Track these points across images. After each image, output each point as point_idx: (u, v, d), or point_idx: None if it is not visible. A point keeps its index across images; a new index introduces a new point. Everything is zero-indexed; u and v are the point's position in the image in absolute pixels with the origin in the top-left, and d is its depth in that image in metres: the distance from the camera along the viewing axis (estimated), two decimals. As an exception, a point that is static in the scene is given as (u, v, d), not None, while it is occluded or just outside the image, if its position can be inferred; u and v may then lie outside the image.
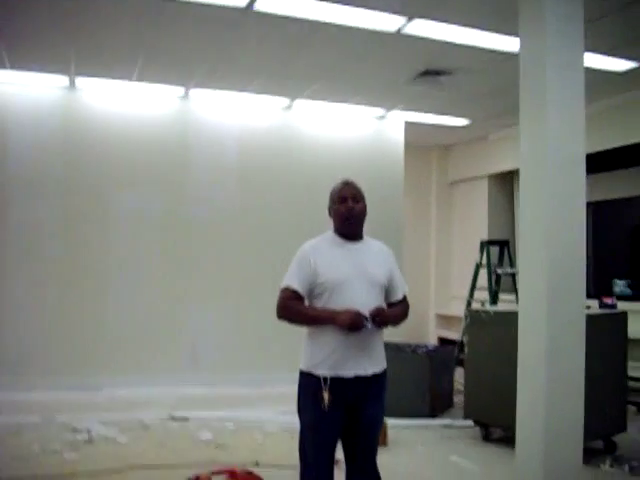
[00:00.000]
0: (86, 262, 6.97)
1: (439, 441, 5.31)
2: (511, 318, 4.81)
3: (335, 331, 2.80)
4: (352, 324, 2.76)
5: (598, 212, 8.23)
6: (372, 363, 2.89)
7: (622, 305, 5.77)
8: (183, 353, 7.18)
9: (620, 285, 7.66)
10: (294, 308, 2.91)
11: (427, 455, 4.97)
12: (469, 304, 7.85)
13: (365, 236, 3.08)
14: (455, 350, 7.21)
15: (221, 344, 7.30)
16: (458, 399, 6.27)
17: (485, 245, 8.01)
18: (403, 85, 6.66)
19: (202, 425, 5.50)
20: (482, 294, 7.98)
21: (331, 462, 2.88)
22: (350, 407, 2.85)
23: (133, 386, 6.76)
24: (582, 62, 3.90)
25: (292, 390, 3.02)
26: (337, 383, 2.81)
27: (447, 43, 5.39)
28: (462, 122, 8.34)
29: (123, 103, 7.12)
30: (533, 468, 3.71)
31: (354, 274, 2.89)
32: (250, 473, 3.98)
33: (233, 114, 7.52)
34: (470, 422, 5.42)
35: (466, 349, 5.54)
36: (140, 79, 6.70)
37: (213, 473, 3.92)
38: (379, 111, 7.95)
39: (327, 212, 3.09)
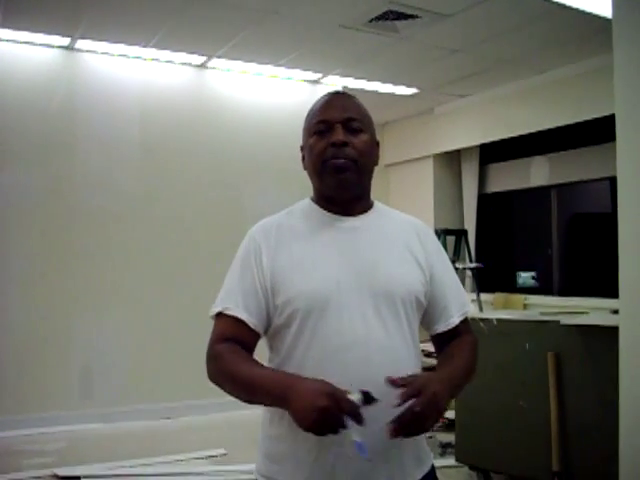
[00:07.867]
0: None
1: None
2: (524, 329, 3.69)
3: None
4: (315, 424, 1.20)
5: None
6: (403, 471, 1.42)
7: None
8: (72, 382, 5.51)
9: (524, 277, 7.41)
10: (225, 362, 1.42)
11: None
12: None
13: (377, 203, 1.59)
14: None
15: (123, 367, 5.67)
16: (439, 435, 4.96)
17: (441, 235, 6.71)
18: (349, 33, 5.26)
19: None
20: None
21: None
22: None
23: (7, 429, 5.08)
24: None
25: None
26: None
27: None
28: (409, 91, 7.09)
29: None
30: None
31: (350, 284, 1.41)
32: None
33: (134, 73, 5.87)
34: (464, 467, 4.13)
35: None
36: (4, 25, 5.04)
37: None
38: (313, 75, 6.55)
39: (301, 163, 1.59)
